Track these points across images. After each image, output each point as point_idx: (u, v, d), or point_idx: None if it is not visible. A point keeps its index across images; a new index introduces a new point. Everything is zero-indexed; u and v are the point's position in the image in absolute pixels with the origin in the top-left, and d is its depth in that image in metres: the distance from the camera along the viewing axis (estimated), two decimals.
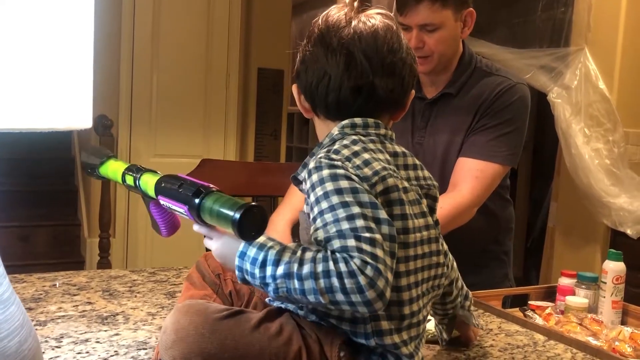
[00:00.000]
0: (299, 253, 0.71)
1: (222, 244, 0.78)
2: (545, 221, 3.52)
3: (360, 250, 0.69)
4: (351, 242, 0.69)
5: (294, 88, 0.88)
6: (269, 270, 0.71)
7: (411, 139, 1.60)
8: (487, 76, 1.56)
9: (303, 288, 0.68)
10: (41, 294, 1.26)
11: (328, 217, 0.72)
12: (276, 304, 0.82)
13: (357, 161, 0.77)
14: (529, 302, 1.53)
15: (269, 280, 0.71)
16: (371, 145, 0.80)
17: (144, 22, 3.56)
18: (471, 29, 1.54)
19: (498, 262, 1.73)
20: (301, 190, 0.83)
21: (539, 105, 4.42)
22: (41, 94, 0.63)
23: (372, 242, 0.70)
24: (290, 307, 0.81)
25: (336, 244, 0.70)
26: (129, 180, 0.90)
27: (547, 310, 1.44)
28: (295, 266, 0.69)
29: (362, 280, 0.67)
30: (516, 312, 1.48)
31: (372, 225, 0.71)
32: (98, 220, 3.44)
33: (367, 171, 0.76)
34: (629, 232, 2.78)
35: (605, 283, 1.45)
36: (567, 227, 3.16)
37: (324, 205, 0.72)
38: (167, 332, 0.76)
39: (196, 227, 0.81)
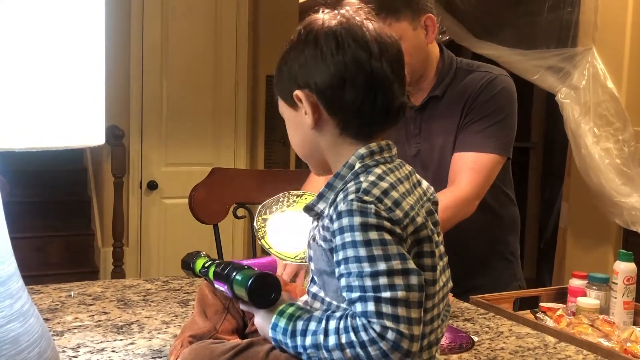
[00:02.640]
0: (323, 324, 0.73)
1: (260, 317, 0.82)
2: (557, 222, 3.51)
3: (379, 315, 0.70)
4: (371, 307, 0.70)
5: (304, 95, 0.81)
6: (298, 340, 0.75)
7: (407, 147, 1.62)
8: (469, 74, 1.58)
9: (332, 358, 0.72)
10: (57, 305, 1.28)
11: (352, 267, 0.72)
12: None
13: (388, 202, 0.75)
14: (540, 304, 1.53)
15: (300, 349, 0.75)
16: (393, 177, 0.79)
17: (153, 31, 3.60)
18: (435, 32, 1.54)
19: (505, 263, 1.73)
20: (315, 219, 0.82)
21: (548, 106, 4.41)
22: (54, 112, 0.65)
23: (393, 302, 0.70)
24: None
25: (358, 307, 0.71)
26: (206, 274, 0.95)
27: (559, 312, 1.44)
28: (322, 337, 0.72)
29: (384, 346, 0.69)
30: (527, 314, 1.49)
31: (397, 281, 0.71)
32: (111, 230, 3.47)
33: (398, 213, 0.75)
34: None
35: (616, 284, 1.45)
36: (578, 228, 3.15)
37: (350, 253, 0.72)
38: None
39: (242, 306, 0.87)
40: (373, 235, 0.72)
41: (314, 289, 0.81)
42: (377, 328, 0.69)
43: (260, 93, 4.00)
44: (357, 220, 0.73)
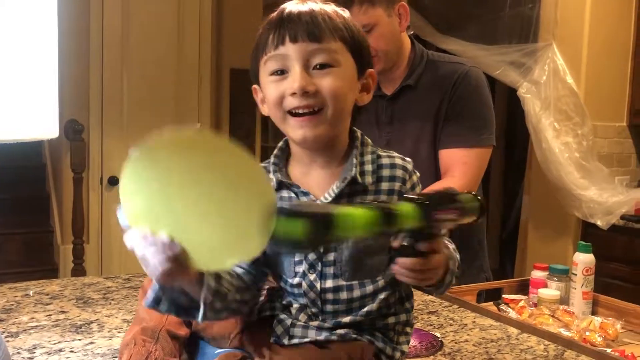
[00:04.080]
0: None
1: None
2: (518, 214, 3.58)
3: None
4: None
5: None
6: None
7: (377, 136, 1.63)
8: (441, 65, 1.62)
9: None
10: (12, 305, 1.24)
11: None
12: None
13: None
14: (503, 295, 1.56)
15: None
16: None
17: (114, 23, 3.51)
18: (408, 21, 1.59)
19: (472, 253, 1.75)
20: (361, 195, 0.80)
21: (510, 101, 4.48)
22: (4, 106, 0.62)
23: None
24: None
25: None
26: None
27: (521, 304, 1.46)
28: None
29: None
30: (490, 306, 1.51)
31: None
32: (71, 226, 3.39)
33: None
34: (599, 223, 2.84)
35: (575, 275, 1.48)
36: (539, 220, 3.21)
37: None
38: None
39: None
40: None
41: None
42: None
43: (224, 87, 3.95)
44: None
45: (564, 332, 1.28)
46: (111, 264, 3.59)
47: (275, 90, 0.78)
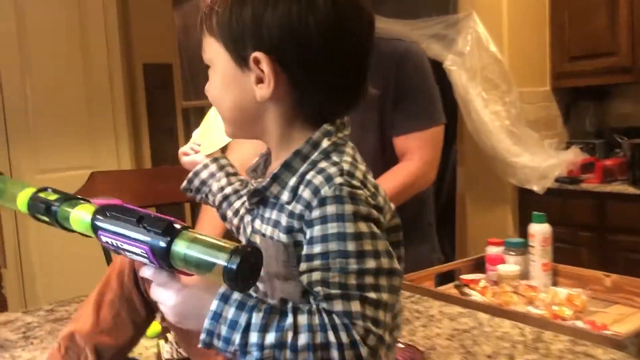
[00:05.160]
0: (290, 318, 0.59)
1: (184, 299, 0.63)
2: (450, 188, 3.57)
3: (364, 317, 0.59)
4: (355, 307, 0.59)
5: (267, 61, 0.65)
6: (253, 337, 0.59)
7: None
8: (377, 42, 1.50)
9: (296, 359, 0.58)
10: None
11: (335, 262, 0.60)
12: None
13: (371, 187, 0.65)
14: (461, 276, 1.49)
15: (252, 348, 0.59)
16: (359, 157, 0.69)
17: (5, 22, 3.18)
18: None
19: (422, 234, 1.68)
20: (258, 207, 0.70)
21: (436, 74, 4.48)
22: None
23: (377, 304, 0.61)
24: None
25: (337, 305, 0.59)
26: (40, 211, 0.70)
27: (482, 284, 1.40)
28: (290, 335, 0.58)
29: (363, 351, 0.59)
30: (450, 289, 1.44)
31: (382, 281, 0.62)
32: None
33: (380, 200, 0.66)
34: (535, 188, 2.86)
35: (533, 246, 1.43)
36: (476, 192, 3.21)
37: (334, 247, 0.60)
38: None
39: (148, 273, 0.66)
40: (363, 227, 0.61)
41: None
42: (360, 331, 0.59)
43: (139, 83, 3.70)
44: (348, 208, 0.61)
45: (533, 310, 1.22)
46: (34, 287, 3.31)
47: None
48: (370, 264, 0.61)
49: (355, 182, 0.63)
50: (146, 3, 3.66)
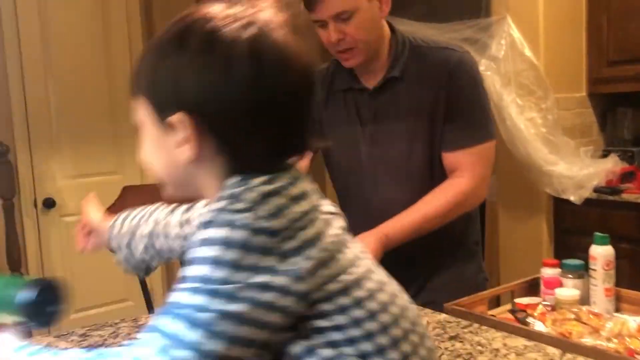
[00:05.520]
0: None
1: None
2: None
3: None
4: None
5: (189, 121, 0.65)
6: None
7: (361, 131, 1.44)
8: (428, 52, 1.46)
9: None
10: None
11: None
12: None
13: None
14: (516, 300, 1.40)
15: None
16: None
17: (30, 26, 3.14)
18: (389, 5, 1.42)
19: (469, 253, 1.60)
20: None
21: None
22: None
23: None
24: None
25: None
26: None
27: (539, 309, 1.31)
28: None
29: None
30: (505, 314, 1.35)
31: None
32: (6, 259, 3.04)
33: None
34: (572, 198, 2.76)
35: (595, 270, 1.34)
36: (509, 200, 3.11)
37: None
38: None
39: None
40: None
41: None
42: None
43: None
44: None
45: (602, 343, 1.13)
46: None
47: None
48: None
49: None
50: (170, 7, 3.60)
